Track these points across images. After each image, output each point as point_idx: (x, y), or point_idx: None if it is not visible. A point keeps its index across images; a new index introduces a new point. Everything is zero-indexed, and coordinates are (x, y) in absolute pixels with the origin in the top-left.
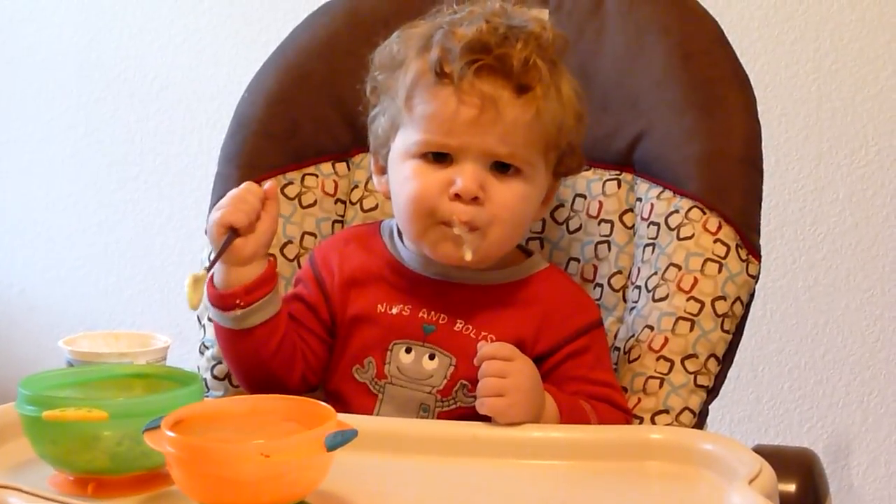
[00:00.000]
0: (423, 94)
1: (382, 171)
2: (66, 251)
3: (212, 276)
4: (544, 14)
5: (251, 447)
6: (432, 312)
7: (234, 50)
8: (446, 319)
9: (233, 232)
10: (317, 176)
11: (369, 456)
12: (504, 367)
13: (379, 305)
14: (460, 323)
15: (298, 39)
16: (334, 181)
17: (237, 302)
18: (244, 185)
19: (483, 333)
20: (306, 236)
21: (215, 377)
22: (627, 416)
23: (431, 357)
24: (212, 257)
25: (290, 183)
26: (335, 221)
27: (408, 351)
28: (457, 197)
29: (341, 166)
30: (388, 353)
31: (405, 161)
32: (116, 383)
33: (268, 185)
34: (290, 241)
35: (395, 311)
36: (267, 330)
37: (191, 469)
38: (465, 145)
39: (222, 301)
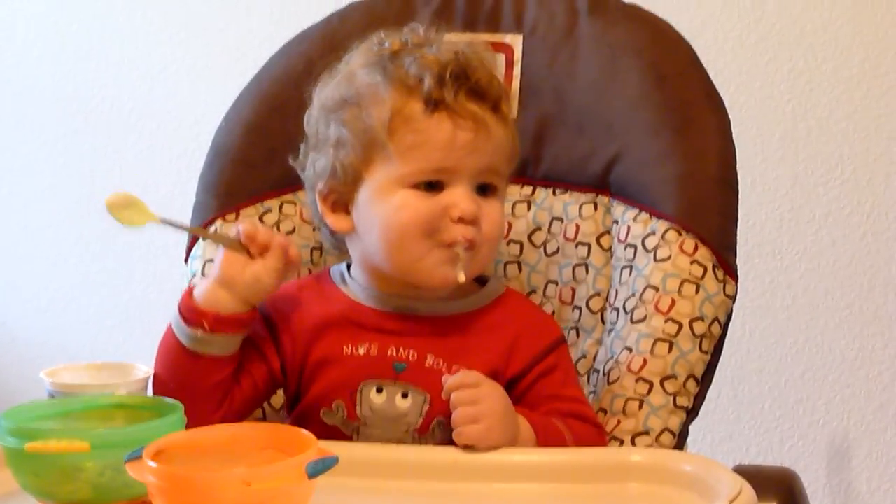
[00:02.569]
0: (412, 124)
1: (337, 208)
2: (46, 282)
3: (191, 288)
4: (518, 39)
5: (233, 475)
6: (401, 349)
7: (212, 79)
8: (416, 356)
9: (237, 236)
10: (295, 203)
11: (351, 482)
12: (474, 394)
13: (344, 347)
14: (431, 357)
15: (274, 68)
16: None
17: (203, 323)
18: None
19: (455, 366)
20: None
21: None
22: (599, 429)
23: (405, 395)
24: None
25: (269, 210)
26: (314, 248)
27: (379, 391)
28: (460, 220)
29: None
30: (358, 394)
31: (394, 192)
32: (98, 414)
33: (279, 239)
34: None
35: (361, 351)
36: (213, 365)
37: (173, 498)
38: (461, 168)
39: (190, 315)
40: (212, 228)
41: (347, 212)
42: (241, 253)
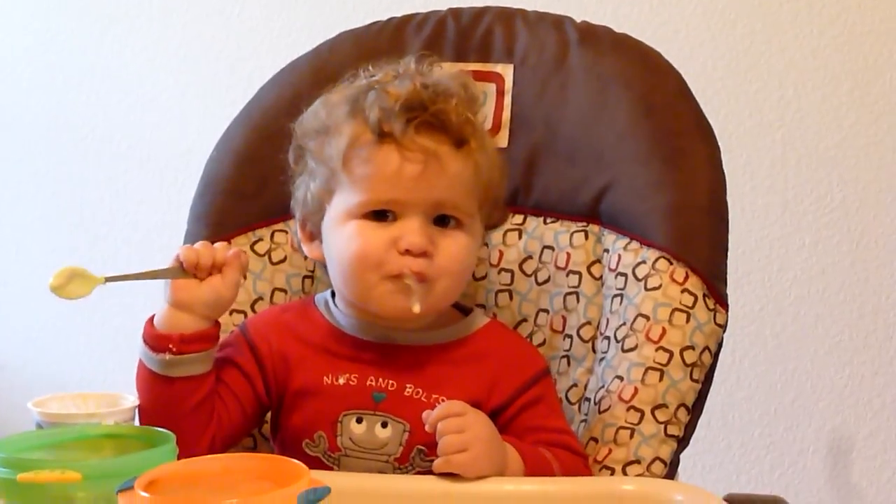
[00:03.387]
0: (363, 155)
1: (312, 237)
2: (35, 312)
3: (152, 316)
4: (508, 69)
5: None
6: (380, 379)
7: (202, 108)
8: (395, 385)
9: (179, 265)
10: (286, 232)
11: None
12: (460, 423)
13: (325, 377)
14: (410, 387)
15: (265, 98)
16: None
17: (169, 346)
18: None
19: (434, 396)
20: (277, 292)
21: None
22: (585, 461)
23: (384, 425)
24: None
25: (260, 240)
26: (305, 277)
27: (359, 421)
28: (406, 252)
29: None
30: (339, 425)
31: (346, 222)
32: (88, 444)
33: (232, 250)
34: (260, 298)
35: (341, 381)
36: (189, 386)
37: None
38: (410, 200)
39: (155, 341)
40: None
41: (321, 241)
42: (189, 278)
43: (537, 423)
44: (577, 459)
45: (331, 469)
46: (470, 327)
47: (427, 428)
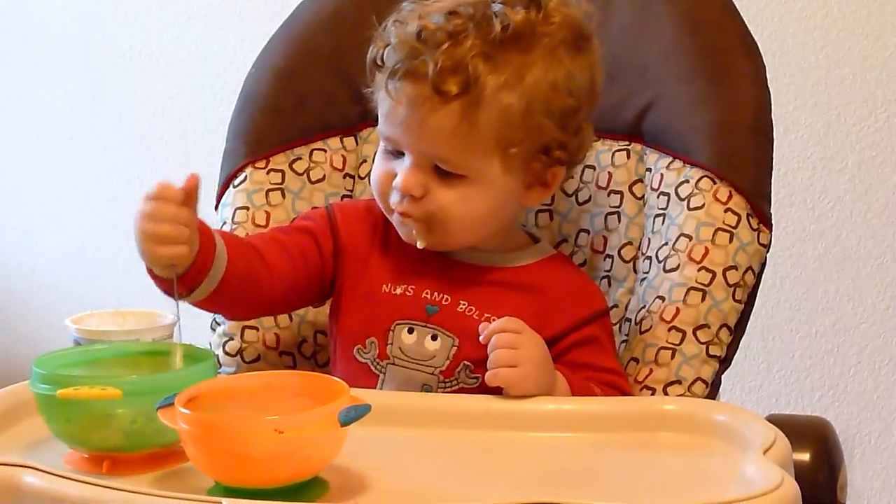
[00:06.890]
0: (376, 82)
1: None
2: (74, 230)
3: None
4: None
5: (265, 423)
6: (436, 293)
7: (240, 25)
8: (449, 300)
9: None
10: (325, 151)
11: (383, 430)
12: (515, 339)
13: (384, 285)
14: (463, 304)
15: (304, 14)
16: (342, 156)
17: (181, 293)
18: (157, 201)
19: (486, 315)
20: None
21: (227, 353)
22: None
23: (434, 338)
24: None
25: (299, 158)
26: (344, 196)
27: (410, 331)
28: (398, 190)
29: (349, 141)
30: (391, 333)
31: (379, 144)
32: (127, 361)
33: (187, 180)
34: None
35: (398, 291)
36: (223, 291)
37: (205, 445)
38: (402, 143)
39: (170, 293)
40: (242, 175)
41: None
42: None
43: (588, 361)
44: None
45: (376, 377)
46: (533, 256)
47: (482, 339)
